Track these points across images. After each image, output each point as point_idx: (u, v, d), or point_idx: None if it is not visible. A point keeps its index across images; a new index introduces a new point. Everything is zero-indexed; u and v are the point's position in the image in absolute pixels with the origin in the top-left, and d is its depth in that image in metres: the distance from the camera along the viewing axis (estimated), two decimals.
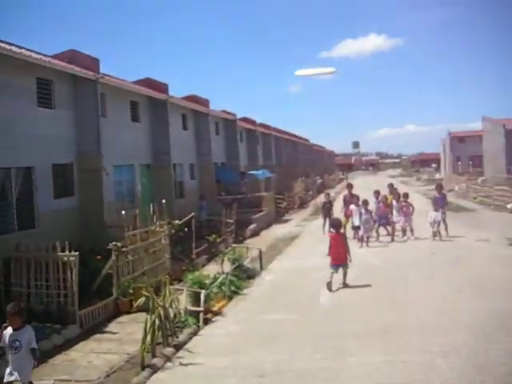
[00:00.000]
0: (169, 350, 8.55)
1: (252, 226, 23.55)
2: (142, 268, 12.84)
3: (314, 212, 31.73)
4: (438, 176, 73.04)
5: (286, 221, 29.24)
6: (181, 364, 8.03)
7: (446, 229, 18.46)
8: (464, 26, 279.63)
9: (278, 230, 24.78)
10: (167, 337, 8.88)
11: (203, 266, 15.21)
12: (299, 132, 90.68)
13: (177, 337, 9.16)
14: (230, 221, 20.90)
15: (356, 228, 18.19)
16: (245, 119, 39.25)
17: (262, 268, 14.90)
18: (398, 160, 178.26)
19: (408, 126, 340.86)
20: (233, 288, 12.19)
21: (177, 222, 14.57)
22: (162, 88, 24.32)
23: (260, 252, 15.37)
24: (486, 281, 11.92)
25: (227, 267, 13.48)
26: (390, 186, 21.56)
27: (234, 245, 16.29)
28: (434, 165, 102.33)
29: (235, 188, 31.98)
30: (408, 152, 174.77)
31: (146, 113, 23.40)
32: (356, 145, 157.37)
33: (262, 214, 26.88)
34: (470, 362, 7.18)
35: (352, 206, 18.45)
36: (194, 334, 9.51)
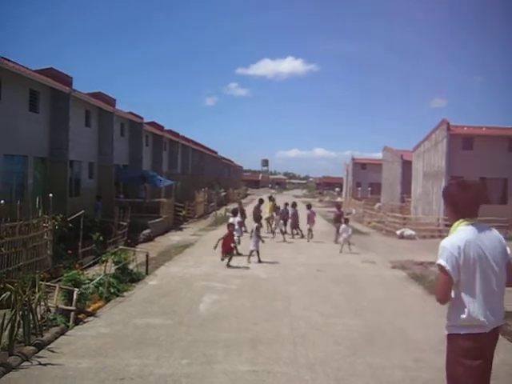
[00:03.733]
0: (29, 349, 8.02)
1: (146, 231, 23.08)
2: (18, 263, 12.16)
3: (212, 223, 31.65)
4: (339, 199, 75.33)
5: (184, 229, 28.94)
6: (39, 364, 7.53)
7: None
8: (371, 62, 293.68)
9: (173, 237, 24.48)
10: (30, 335, 8.37)
11: (89, 266, 14.65)
12: (210, 144, 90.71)
13: (42, 335, 8.66)
14: (124, 223, 20.39)
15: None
16: (152, 124, 38.63)
17: (147, 273, 14.54)
18: (304, 181, 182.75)
19: (317, 149, 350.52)
20: (112, 290, 11.76)
21: (60, 216, 13.91)
22: (66, 80, 23.51)
23: (147, 256, 15.02)
24: (362, 299, 12.28)
25: (111, 269, 13.03)
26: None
27: (120, 247, 15.81)
28: (337, 188, 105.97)
29: (135, 192, 31.46)
30: (315, 174, 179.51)
31: (46, 104, 22.51)
32: (265, 163, 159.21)
33: (159, 220, 26.45)
34: (333, 374, 7.26)
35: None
36: (61, 333, 8.99)
